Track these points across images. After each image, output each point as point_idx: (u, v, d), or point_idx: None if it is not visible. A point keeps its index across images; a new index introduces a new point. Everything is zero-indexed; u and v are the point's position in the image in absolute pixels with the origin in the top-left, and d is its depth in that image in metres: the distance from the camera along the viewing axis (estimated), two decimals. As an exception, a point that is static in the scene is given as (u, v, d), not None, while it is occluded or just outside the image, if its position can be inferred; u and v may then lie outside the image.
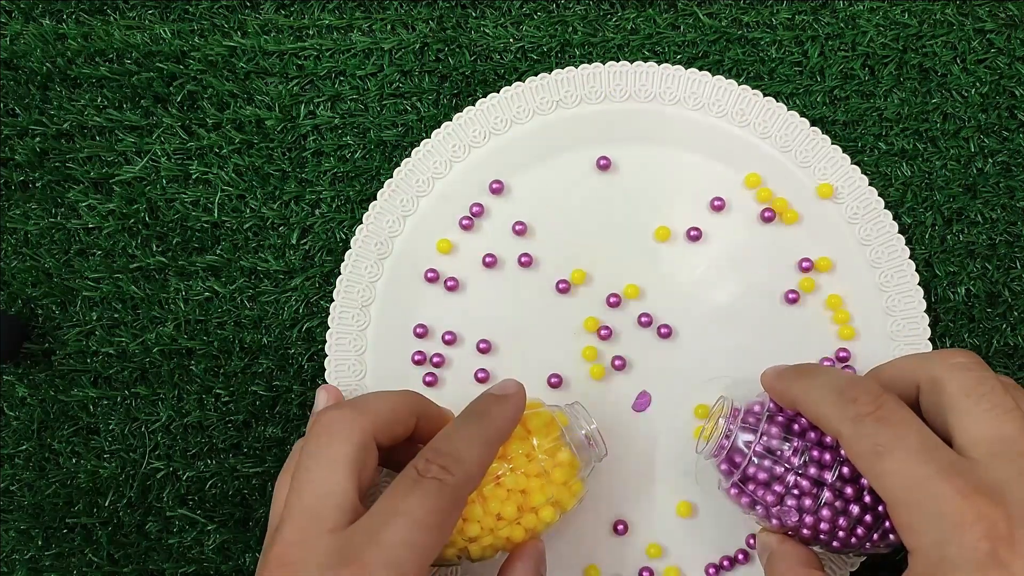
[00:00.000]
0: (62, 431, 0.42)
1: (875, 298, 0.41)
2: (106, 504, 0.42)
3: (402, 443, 0.35)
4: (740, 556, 0.40)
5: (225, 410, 0.42)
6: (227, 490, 0.42)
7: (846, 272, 0.41)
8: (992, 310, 0.42)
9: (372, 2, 0.43)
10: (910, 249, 0.41)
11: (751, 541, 0.40)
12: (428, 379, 0.41)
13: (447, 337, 0.41)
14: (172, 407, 0.42)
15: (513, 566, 0.33)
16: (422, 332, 0.41)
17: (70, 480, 0.42)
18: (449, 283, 0.41)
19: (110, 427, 0.42)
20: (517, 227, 0.41)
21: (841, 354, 0.40)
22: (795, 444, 0.33)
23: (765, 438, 0.33)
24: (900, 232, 0.41)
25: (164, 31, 0.42)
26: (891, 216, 0.41)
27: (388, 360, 0.41)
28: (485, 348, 0.41)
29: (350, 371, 0.41)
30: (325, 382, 0.41)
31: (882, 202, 0.41)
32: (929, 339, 0.40)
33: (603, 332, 0.41)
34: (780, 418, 0.34)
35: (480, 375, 0.41)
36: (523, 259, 0.41)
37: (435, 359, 0.41)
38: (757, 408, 0.35)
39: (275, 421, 0.42)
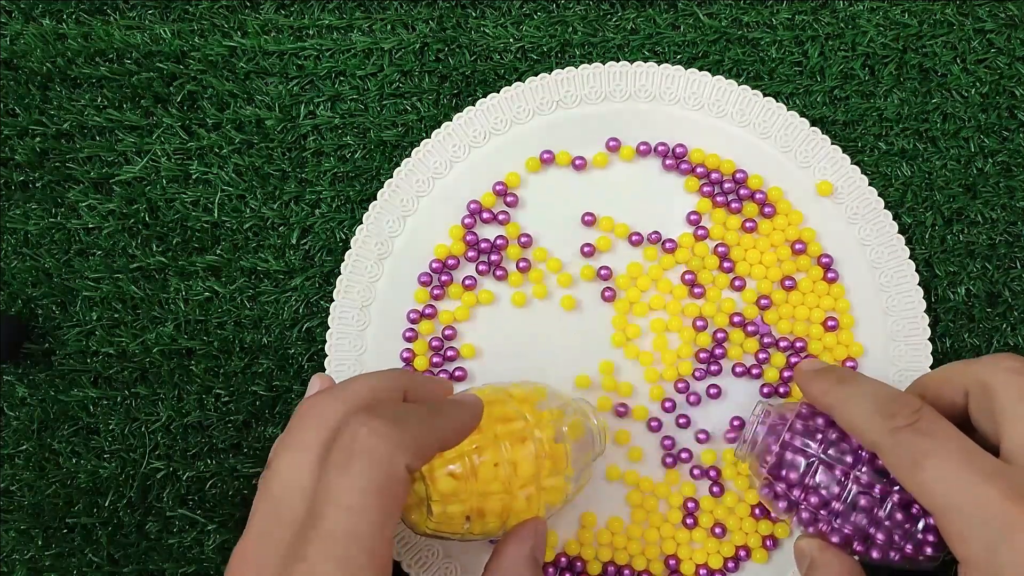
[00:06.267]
0: (62, 431, 0.42)
1: (875, 298, 0.41)
2: (106, 504, 0.42)
3: None
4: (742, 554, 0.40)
5: (225, 410, 0.42)
6: (227, 490, 0.42)
7: (846, 272, 0.41)
8: (992, 310, 0.42)
9: (372, 2, 0.43)
10: (910, 249, 0.41)
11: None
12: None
13: (447, 332, 0.41)
14: (172, 407, 0.42)
15: (507, 542, 0.32)
16: (413, 337, 0.41)
17: (70, 480, 0.42)
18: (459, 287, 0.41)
19: (110, 427, 0.42)
20: (517, 227, 0.41)
21: (848, 363, 0.40)
22: (824, 443, 0.33)
23: (794, 436, 0.33)
24: (900, 232, 0.41)
25: (164, 31, 0.42)
26: (891, 216, 0.41)
27: (388, 361, 0.41)
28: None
29: (350, 371, 0.41)
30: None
31: (882, 202, 0.41)
32: (929, 339, 0.40)
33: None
34: (814, 421, 0.34)
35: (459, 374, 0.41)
36: (521, 264, 0.41)
37: (434, 359, 0.41)
38: (790, 413, 0.35)
39: (275, 421, 0.42)
